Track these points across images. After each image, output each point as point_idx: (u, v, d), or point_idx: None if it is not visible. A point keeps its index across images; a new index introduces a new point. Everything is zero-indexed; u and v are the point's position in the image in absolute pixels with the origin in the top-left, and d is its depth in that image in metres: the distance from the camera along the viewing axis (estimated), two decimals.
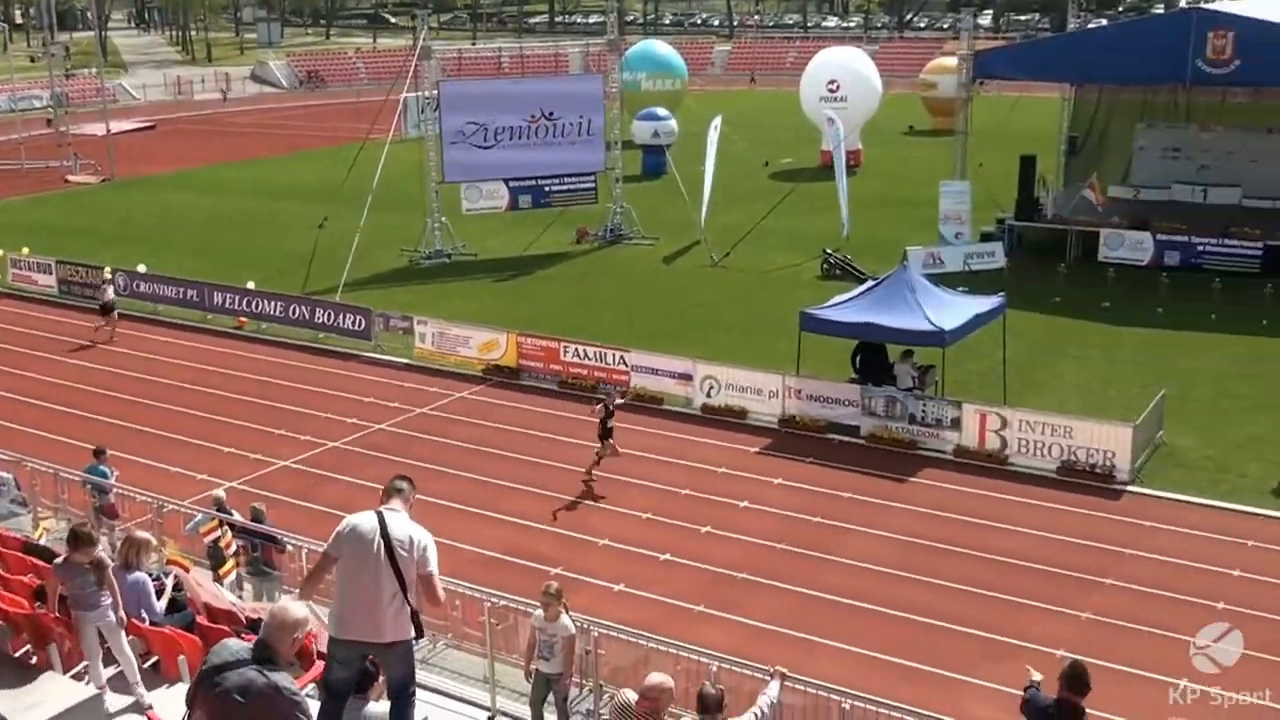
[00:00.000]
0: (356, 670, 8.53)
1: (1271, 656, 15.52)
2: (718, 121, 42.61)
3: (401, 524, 8.41)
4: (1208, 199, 37.07)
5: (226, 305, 32.28)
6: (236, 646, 7.02)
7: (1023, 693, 9.85)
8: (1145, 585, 17.61)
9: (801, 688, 11.81)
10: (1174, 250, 34.32)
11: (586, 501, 20.76)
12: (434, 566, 8.43)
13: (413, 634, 8.53)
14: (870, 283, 25.97)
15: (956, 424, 22.39)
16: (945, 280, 29.01)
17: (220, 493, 17.45)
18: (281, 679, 6.78)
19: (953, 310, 23.55)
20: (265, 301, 31.77)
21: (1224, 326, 29.26)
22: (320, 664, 8.97)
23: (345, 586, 8.43)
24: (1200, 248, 34.11)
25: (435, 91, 38.55)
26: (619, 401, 22.35)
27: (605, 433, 20.84)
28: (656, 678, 9.09)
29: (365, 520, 8.43)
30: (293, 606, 7.17)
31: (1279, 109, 37.19)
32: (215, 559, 15.74)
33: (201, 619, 11.87)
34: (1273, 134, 37.55)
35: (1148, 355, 27.54)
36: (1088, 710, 9.33)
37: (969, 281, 31.76)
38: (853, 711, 11.31)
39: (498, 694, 13.22)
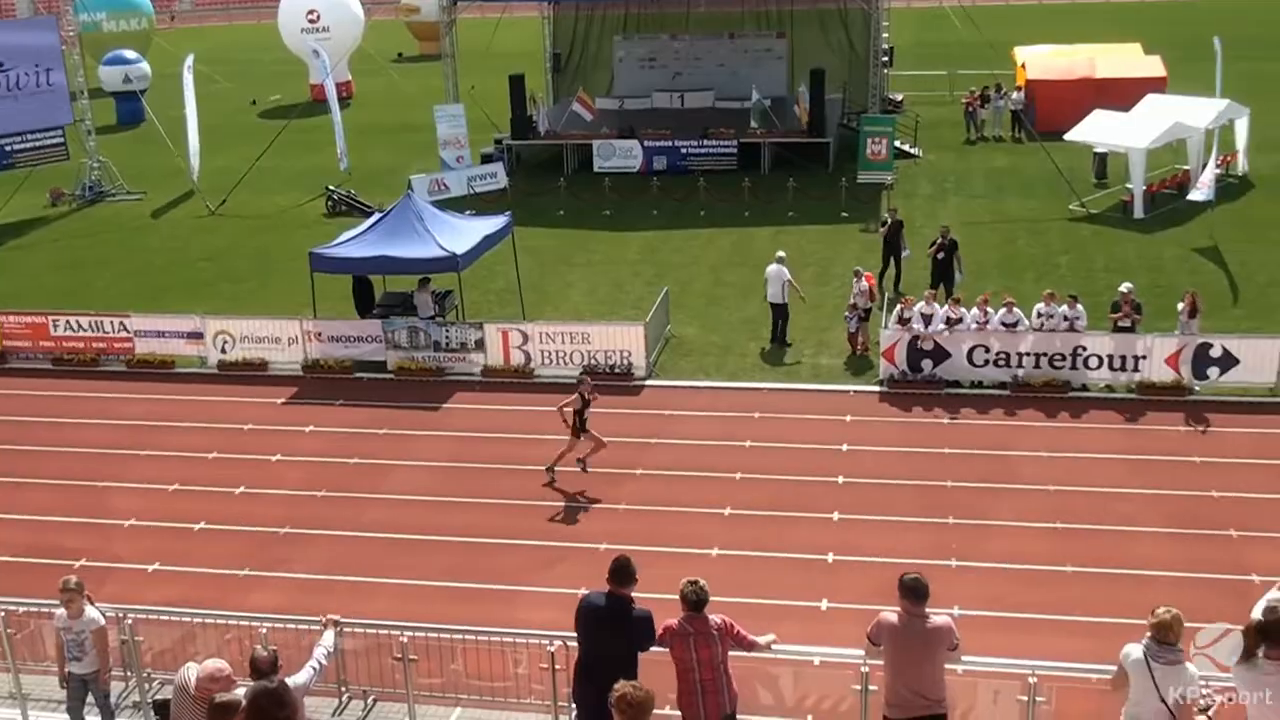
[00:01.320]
0: None
1: (776, 512, 17.15)
2: (190, 60, 39.97)
3: None
4: (685, 104, 39.55)
5: None
6: None
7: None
8: (671, 469, 18.78)
9: (361, 630, 11.62)
10: (661, 155, 36.47)
11: (104, 483, 19.14)
12: None
13: None
14: (377, 215, 25.58)
15: (480, 345, 22.70)
16: (451, 205, 29.21)
17: None
18: None
19: (463, 234, 23.69)
20: None
21: (712, 221, 31.54)
22: None
23: None
24: (684, 150, 36.46)
25: None
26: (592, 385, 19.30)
27: (581, 425, 18.67)
28: (212, 665, 8.56)
29: None
30: None
31: (738, 16, 40.25)
32: None
33: None
34: (735, 39, 40.60)
35: (649, 256, 29.20)
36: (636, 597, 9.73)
37: (475, 204, 32.20)
38: (411, 642, 11.26)
39: (29, 709, 12.02)
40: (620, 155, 36.67)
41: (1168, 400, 20.36)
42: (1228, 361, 20.52)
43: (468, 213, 27.45)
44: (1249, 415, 19.91)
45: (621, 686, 7.00)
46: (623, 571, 9.32)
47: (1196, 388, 20.60)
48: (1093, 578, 15.36)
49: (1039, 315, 21.19)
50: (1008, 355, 21.07)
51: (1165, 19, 60.92)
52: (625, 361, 22.16)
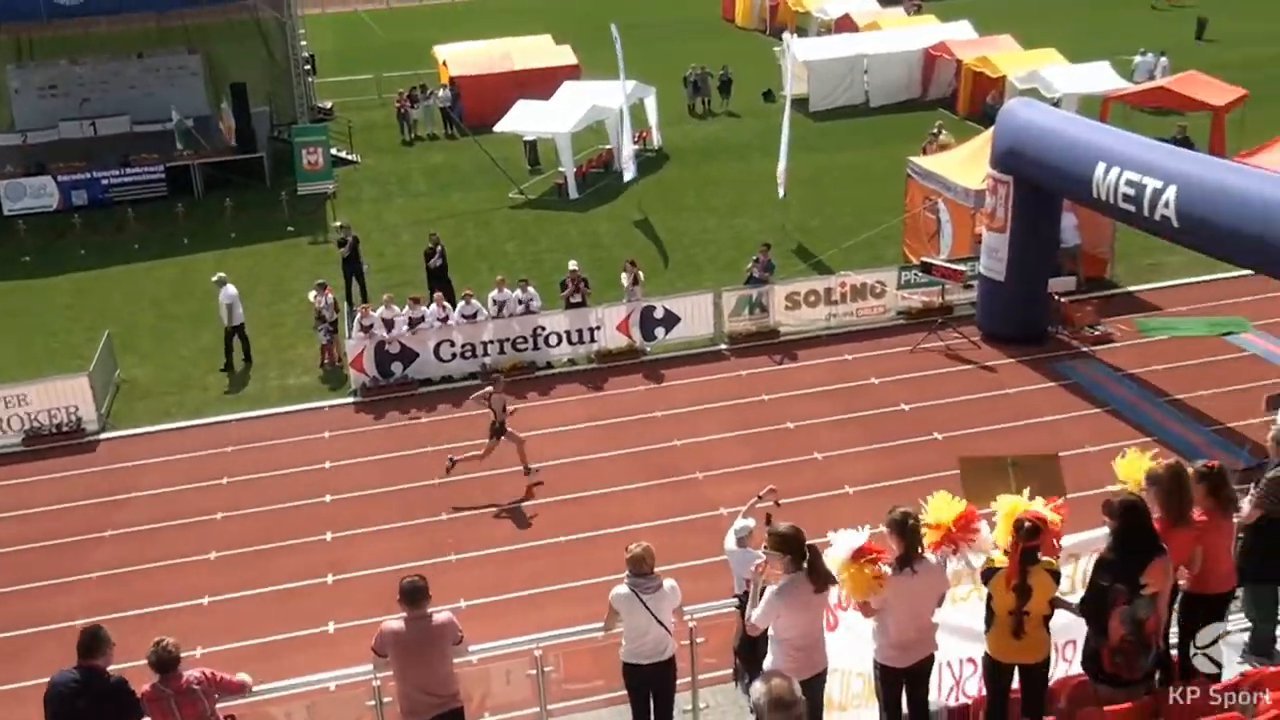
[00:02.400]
0: None
1: (267, 545, 16.46)
2: None
3: None
4: (99, 131, 36.69)
5: None
6: None
7: None
8: (144, 524, 17.42)
9: None
10: (79, 189, 33.54)
11: None
12: None
13: None
14: None
15: None
16: None
17: None
18: None
19: None
20: None
21: (149, 253, 29.52)
22: None
23: None
24: (105, 181, 33.75)
25: None
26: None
27: (499, 426, 17.76)
28: None
29: None
30: None
31: (144, 34, 37.84)
32: None
33: None
34: (144, 59, 38.19)
35: (82, 300, 26.85)
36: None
37: None
38: None
39: None
40: (32, 194, 33.34)
41: (625, 364, 21.71)
42: (671, 320, 22.21)
43: None
44: (695, 366, 21.67)
45: None
46: (92, 641, 8.43)
47: (648, 349, 22.11)
48: (584, 542, 16.08)
49: (494, 303, 21.79)
50: (473, 346, 21.51)
51: (567, 10, 64.69)
52: (73, 418, 20.22)
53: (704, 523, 16.10)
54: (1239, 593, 9.78)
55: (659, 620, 9.12)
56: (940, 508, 8.14)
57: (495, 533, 16.62)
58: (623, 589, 9.12)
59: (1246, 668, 9.03)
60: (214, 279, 22.72)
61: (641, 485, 17.62)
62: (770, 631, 8.18)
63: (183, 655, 8.61)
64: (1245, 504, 9.66)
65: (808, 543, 8.06)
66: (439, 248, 24.25)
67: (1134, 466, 8.71)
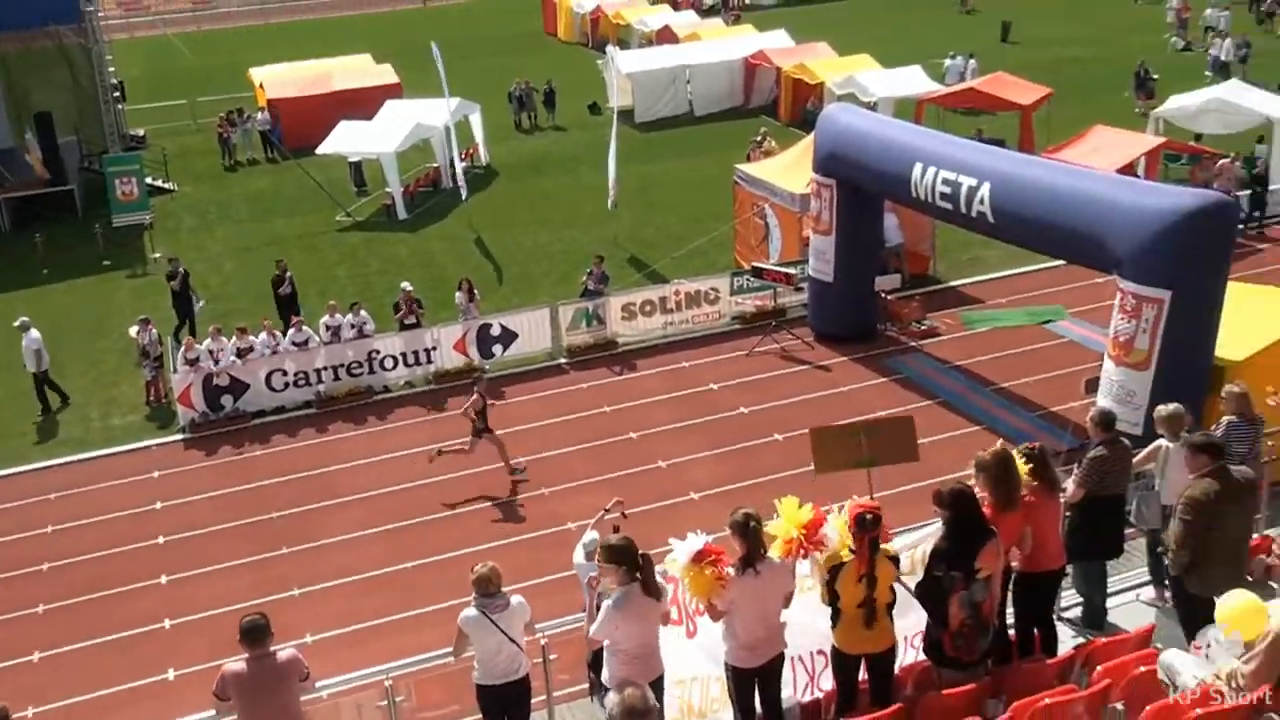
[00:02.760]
0: None
1: (98, 593, 15.76)
2: None
3: None
4: None
5: None
6: None
7: None
8: None
9: None
10: None
11: None
12: None
13: None
14: None
15: None
16: None
17: None
18: None
19: None
20: None
21: None
22: None
23: None
24: None
25: None
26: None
27: (482, 425, 17.92)
28: None
29: None
30: None
31: None
32: None
33: None
34: None
35: None
36: None
37: None
38: None
39: None
40: None
41: (464, 384, 21.46)
42: (508, 337, 22.07)
43: None
44: (535, 381, 21.58)
45: None
46: None
47: (487, 367, 21.92)
48: (430, 567, 15.83)
49: (327, 328, 21.33)
50: (306, 374, 20.99)
51: (385, 30, 63.95)
52: None
53: (552, 538, 16.02)
54: (1069, 569, 10.21)
55: (511, 639, 9.03)
56: (789, 515, 8.21)
57: (339, 563, 16.22)
58: (471, 611, 8.99)
59: (1080, 640, 9.40)
60: (16, 324, 21.58)
61: (486, 504, 17.45)
62: (606, 641, 8.22)
63: (14, 716, 8.17)
64: (1069, 484, 10.07)
65: (641, 553, 8.11)
66: (287, 275, 23.62)
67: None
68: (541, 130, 41.50)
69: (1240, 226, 23.33)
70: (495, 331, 21.98)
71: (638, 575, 8.06)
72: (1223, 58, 42.18)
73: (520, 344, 22.16)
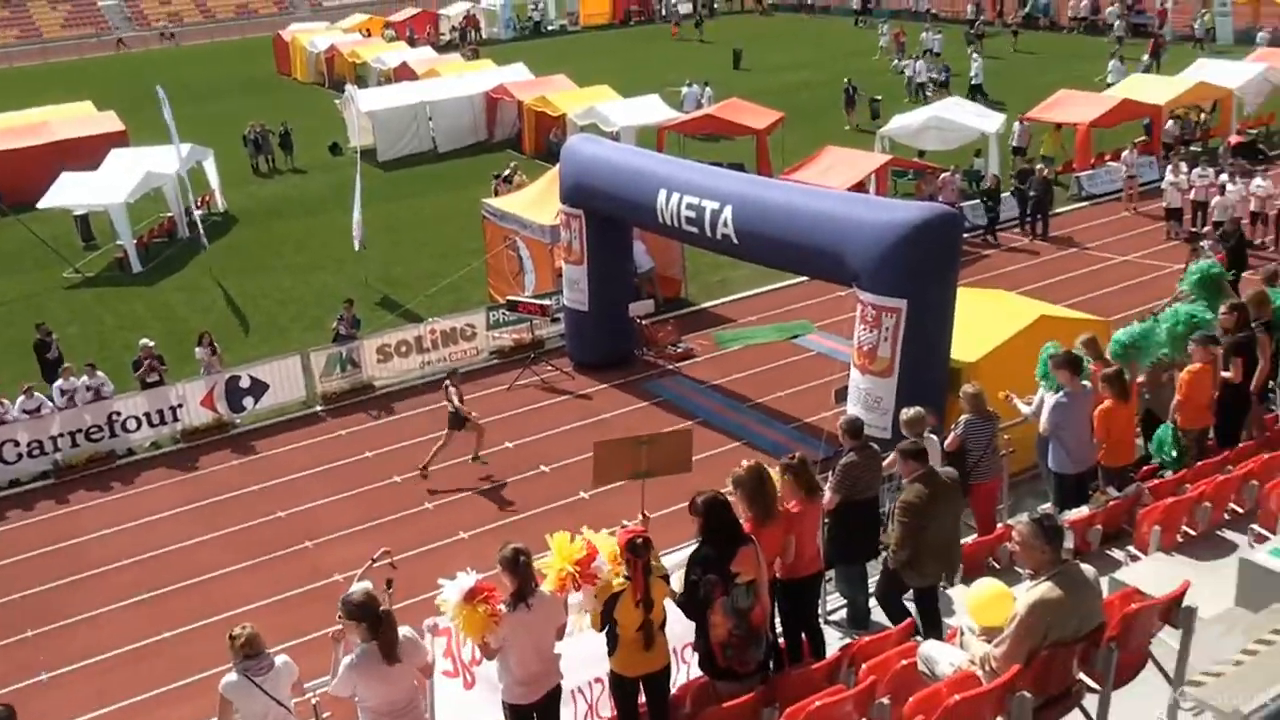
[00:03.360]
0: None
1: None
2: None
3: None
4: None
5: None
6: None
7: None
8: None
9: None
10: None
11: None
12: None
13: None
14: None
15: None
16: None
17: None
18: None
19: None
20: None
21: None
22: None
23: None
24: None
25: None
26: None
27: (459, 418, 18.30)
28: None
29: None
30: None
31: None
32: None
33: None
34: None
35: None
36: None
37: None
38: None
39: None
40: None
41: (215, 440, 20.62)
42: (259, 388, 21.30)
43: None
44: (290, 432, 20.90)
45: None
46: None
47: (238, 421, 21.10)
48: (194, 634, 15.05)
49: (61, 393, 20.11)
50: (41, 443, 19.70)
51: (104, 77, 61.10)
52: None
53: (319, 592, 15.49)
54: (830, 573, 10.58)
55: (279, 701, 8.64)
56: (561, 551, 8.18)
57: (90, 641, 15.22)
58: (232, 677, 8.52)
59: (847, 641, 9.73)
60: None
61: (247, 564, 16.73)
62: (356, 699, 8.03)
63: None
64: (826, 491, 10.44)
65: (383, 610, 7.94)
66: (53, 338, 22.20)
67: None
68: (280, 174, 40.43)
69: (966, 235, 24.82)
70: (245, 384, 21.17)
71: (378, 633, 7.88)
72: (918, 79, 45.00)
73: (273, 394, 21.43)
